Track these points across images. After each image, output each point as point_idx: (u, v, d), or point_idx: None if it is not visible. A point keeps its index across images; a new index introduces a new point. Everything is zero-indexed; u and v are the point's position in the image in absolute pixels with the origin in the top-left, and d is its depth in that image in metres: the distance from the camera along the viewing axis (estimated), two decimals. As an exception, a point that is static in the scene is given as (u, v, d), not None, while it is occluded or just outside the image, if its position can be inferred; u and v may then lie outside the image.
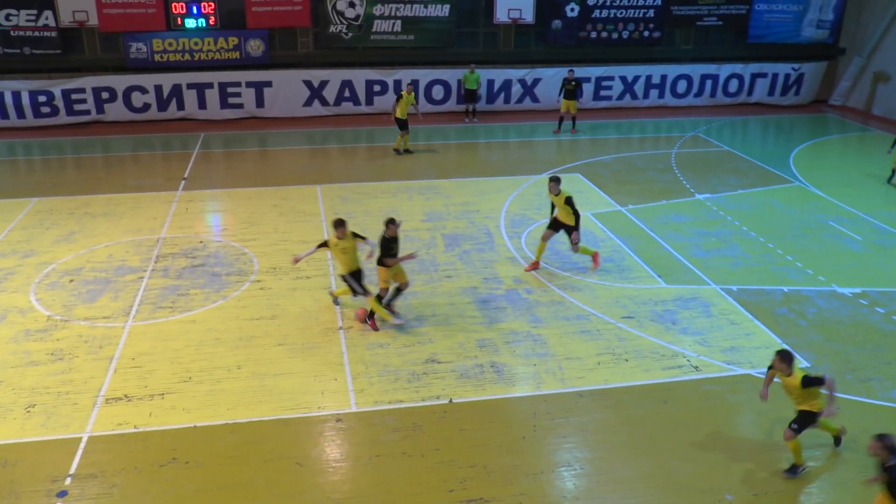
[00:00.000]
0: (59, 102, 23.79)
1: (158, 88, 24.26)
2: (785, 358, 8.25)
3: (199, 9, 23.93)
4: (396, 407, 9.81)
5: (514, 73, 26.05)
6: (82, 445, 9.04)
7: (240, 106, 24.97)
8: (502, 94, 26.20)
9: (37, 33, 23.47)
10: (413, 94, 21.25)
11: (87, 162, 20.97)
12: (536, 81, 26.22)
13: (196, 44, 24.19)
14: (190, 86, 24.40)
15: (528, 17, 25.63)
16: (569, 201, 12.94)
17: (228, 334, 11.51)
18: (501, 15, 25.55)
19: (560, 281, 13.31)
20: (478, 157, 21.41)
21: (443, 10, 25.00)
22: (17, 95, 23.42)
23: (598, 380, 10.41)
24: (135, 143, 22.47)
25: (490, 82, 25.87)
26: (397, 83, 25.26)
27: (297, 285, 13.06)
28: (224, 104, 24.84)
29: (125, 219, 16.19)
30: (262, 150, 22.14)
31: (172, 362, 10.78)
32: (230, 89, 24.71)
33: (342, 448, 9.13)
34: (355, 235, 11.41)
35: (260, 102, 25.05)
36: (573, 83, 22.72)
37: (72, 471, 8.60)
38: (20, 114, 23.68)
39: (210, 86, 24.53)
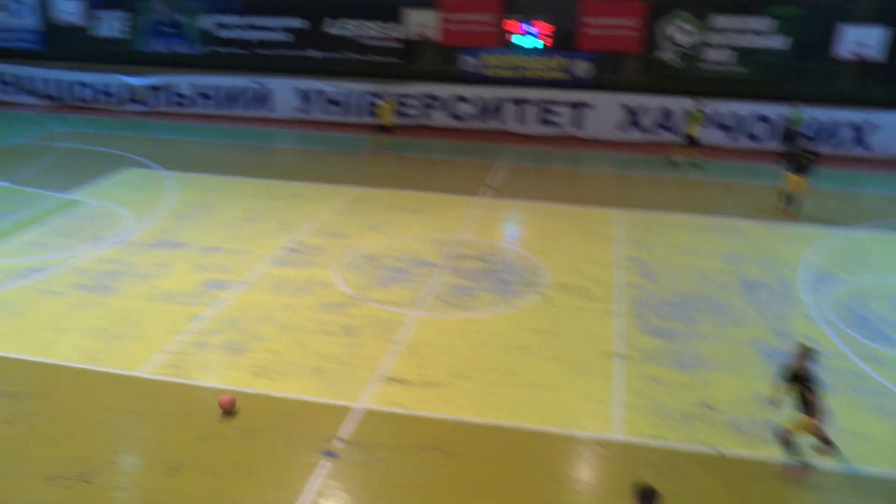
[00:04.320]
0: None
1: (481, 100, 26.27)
2: None
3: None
4: (660, 445, 9.56)
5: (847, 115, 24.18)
6: (355, 415, 9.96)
7: (557, 124, 25.92)
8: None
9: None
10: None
11: (409, 161, 23.02)
12: (874, 128, 24.04)
13: (525, 62, 25.99)
14: (517, 101, 26.07)
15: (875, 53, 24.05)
16: None
17: (508, 341, 11.98)
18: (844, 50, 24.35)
19: (862, 350, 12.08)
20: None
21: (780, 43, 24.37)
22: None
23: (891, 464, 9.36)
24: (449, 148, 24.27)
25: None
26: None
27: (584, 306, 13.21)
28: (542, 121, 25.99)
29: (428, 216, 17.52)
30: (572, 167, 22.68)
31: (450, 356, 11.46)
32: (551, 107, 25.82)
33: (598, 473, 9.14)
34: None
35: (577, 123, 25.80)
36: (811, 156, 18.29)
37: (343, 435, 9.52)
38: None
39: (531, 102, 25.86)
